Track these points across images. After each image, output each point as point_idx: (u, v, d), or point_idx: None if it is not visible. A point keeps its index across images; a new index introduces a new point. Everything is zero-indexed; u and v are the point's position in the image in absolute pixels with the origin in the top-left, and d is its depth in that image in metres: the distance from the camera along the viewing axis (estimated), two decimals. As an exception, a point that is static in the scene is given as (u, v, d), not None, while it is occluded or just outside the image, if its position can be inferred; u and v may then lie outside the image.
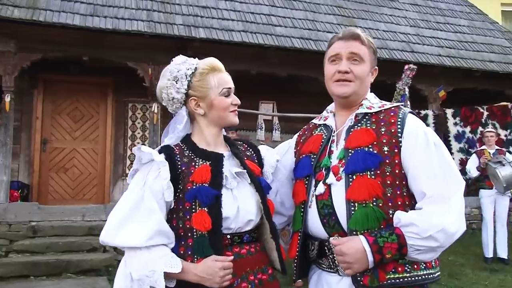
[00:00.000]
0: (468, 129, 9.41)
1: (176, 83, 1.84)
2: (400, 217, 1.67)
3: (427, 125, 8.87)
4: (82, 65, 7.93)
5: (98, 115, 8.71)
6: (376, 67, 1.95)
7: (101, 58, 7.58)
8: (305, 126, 2.14)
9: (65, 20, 6.88)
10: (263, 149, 2.07)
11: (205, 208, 1.68)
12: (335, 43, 1.89)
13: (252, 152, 2.01)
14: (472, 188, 7.41)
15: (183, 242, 1.71)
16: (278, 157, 2.04)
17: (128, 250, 1.69)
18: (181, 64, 1.86)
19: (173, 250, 1.70)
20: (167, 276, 1.63)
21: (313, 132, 2.02)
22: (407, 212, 1.71)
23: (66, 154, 8.42)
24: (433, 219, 1.64)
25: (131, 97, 8.81)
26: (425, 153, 1.74)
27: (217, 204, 1.70)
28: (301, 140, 2.06)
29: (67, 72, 8.17)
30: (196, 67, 1.87)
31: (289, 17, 8.79)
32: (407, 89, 6.41)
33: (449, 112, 9.55)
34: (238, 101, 1.88)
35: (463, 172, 7.15)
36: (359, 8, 9.89)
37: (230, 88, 1.86)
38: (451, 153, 9.17)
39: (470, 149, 9.08)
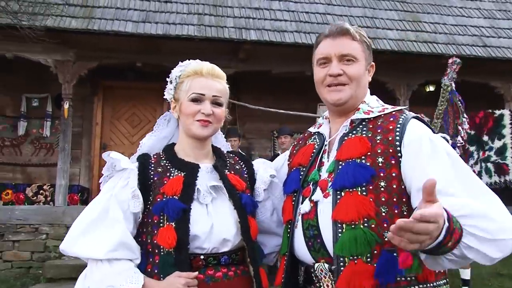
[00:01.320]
0: (552, 130, 8.39)
1: (170, 84, 1.79)
2: (470, 204, 1.29)
3: (503, 126, 8.15)
4: (139, 71, 8.09)
5: (155, 119, 8.76)
6: (373, 63, 1.70)
7: (154, 64, 7.67)
8: (301, 135, 1.91)
9: (118, 28, 7.04)
10: (258, 163, 1.90)
11: (173, 223, 1.55)
12: (322, 43, 1.66)
13: (243, 166, 1.85)
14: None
15: (151, 259, 1.59)
16: (273, 172, 1.84)
17: (90, 262, 1.58)
18: (177, 67, 1.80)
19: (140, 267, 1.58)
20: None
21: (307, 142, 1.78)
22: None
23: (124, 158, 8.62)
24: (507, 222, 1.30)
25: (187, 101, 8.86)
26: (434, 160, 1.43)
27: (184, 219, 1.56)
28: (294, 151, 1.84)
29: (125, 78, 8.39)
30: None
31: (346, 15, 8.38)
32: (453, 85, 5.85)
33: (529, 111, 8.58)
34: (208, 111, 1.68)
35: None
36: (425, 2, 9.18)
37: (201, 94, 1.69)
38: (530, 158, 8.23)
39: (555, 154, 8.09)
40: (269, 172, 1.82)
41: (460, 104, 5.86)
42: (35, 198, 7.82)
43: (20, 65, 7.66)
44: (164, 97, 1.81)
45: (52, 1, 7.08)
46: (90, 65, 7.45)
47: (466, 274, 5.59)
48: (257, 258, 1.68)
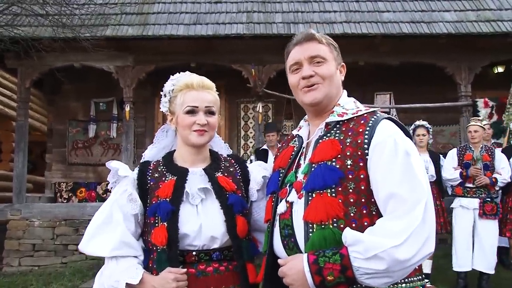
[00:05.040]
0: None
1: (164, 98, 1.92)
2: (347, 235, 1.45)
3: None
4: (197, 71, 8.36)
5: (213, 116, 9.11)
6: (343, 64, 1.78)
7: (208, 63, 7.93)
8: (287, 137, 1.99)
9: (170, 32, 7.36)
10: (253, 165, 2.02)
11: (165, 223, 1.71)
12: (292, 51, 1.76)
13: (237, 168, 1.96)
14: None
15: (151, 256, 1.75)
16: (266, 173, 1.94)
17: (105, 260, 1.78)
18: (169, 81, 1.92)
19: (144, 262, 1.75)
20: (131, 287, 1.68)
21: (289, 144, 1.87)
22: None
23: (185, 156, 9.01)
24: (381, 238, 1.40)
25: (243, 98, 9.07)
26: (388, 164, 1.49)
27: (173, 219, 1.71)
28: (278, 153, 1.93)
29: (182, 79, 8.73)
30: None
31: (398, 0, 8.09)
32: None
33: None
34: (203, 121, 1.81)
35: None
36: (488, -22, 8.59)
37: (195, 106, 1.82)
38: None
39: None
40: (262, 173, 1.92)
41: None
42: (105, 195, 8.42)
43: (88, 73, 8.29)
44: (160, 109, 1.95)
45: (110, 12, 7.56)
46: (148, 68, 7.86)
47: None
48: (242, 255, 1.77)
